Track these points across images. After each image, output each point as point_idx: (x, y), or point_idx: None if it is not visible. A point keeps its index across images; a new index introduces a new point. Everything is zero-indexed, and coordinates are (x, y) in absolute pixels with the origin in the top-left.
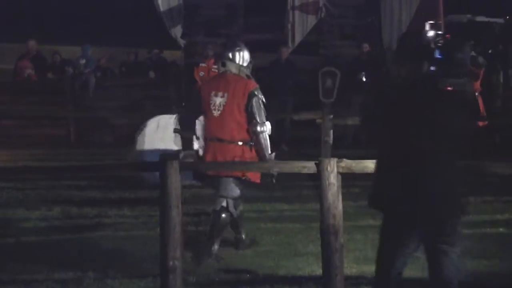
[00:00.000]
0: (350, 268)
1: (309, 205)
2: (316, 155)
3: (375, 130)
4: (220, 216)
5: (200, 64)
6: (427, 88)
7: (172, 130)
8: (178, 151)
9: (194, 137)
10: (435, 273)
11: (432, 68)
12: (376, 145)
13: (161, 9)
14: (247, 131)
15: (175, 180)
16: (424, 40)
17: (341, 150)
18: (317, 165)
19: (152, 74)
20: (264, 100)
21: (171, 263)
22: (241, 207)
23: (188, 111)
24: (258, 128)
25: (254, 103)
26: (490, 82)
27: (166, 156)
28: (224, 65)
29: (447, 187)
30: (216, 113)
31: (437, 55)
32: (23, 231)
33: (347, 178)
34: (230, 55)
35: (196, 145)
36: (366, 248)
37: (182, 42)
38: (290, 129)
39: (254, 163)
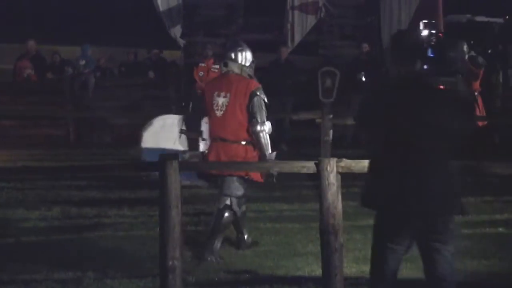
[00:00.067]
0: (350, 268)
1: (309, 205)
2: (315, 155)
3: (369, 129)
4: (223, 214)
5: (200, 64)
6: (420, 87)
7: (178, 130)
8: (184, 152)
9: (200, 138)
10: (430, 271)
11: (425, 66)
12: (369, 144)
13: (161, 9)
14: (249, 130)
15: (175, 180)
16: (417, 38)
17: (340, 150)
18: (317, 165)
19: (151, 74)
20: (266, 100)
21: (170, 263)
22: (243, 207)
23: (193, 112)
24: (258, 128)
25: (255, 103)
26: (489, 82)
27: (165, 156)
28: (226, 65)
29: (439, 185)
30: (219, 113)
31: (429, 53)
32: (22, 231)
33: (347, 178)
34: (233, 55)
35: (202, 147)
36: (365, 247)
37: (181, 42)
38: (289, 129)
39: (254, 163)
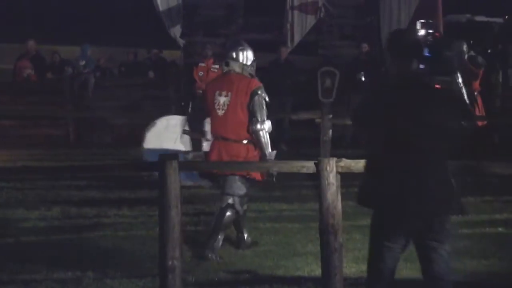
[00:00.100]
0: (349, 267)
1: (308, 205)
2: (315, 155)
3: (368, 129)
4: (225, 213)
5: (199, 64)
6: (416, 86)
7: (181, 130)
8: (187, 152)
9: (203, 138)
10: (426, 270)
11: (421, 66)
12: (367, 143)
13: (160, 9)
14: (249, 129)
15: (174, 180)
16: (413, 38)
17: (340, 149)
18: (316, 164)
19: (151, 74)
20: (267, 99)
21: (170, 262)
22: (245, 206)
23: (194, 112)
24: (258, 126)
25: (255, 101)
26: (489, 81)
27: (165, 156)
28: (227, 64)
29: (437, 185)
30: (220, 112)
31: (425, 53)
32: (22, 231)
33: (346, 178)
34: (234, 55)
35: (205, 147)
36: (365, 247)
37: (181, 42)
38: (289, 129)
39: (254, 162)
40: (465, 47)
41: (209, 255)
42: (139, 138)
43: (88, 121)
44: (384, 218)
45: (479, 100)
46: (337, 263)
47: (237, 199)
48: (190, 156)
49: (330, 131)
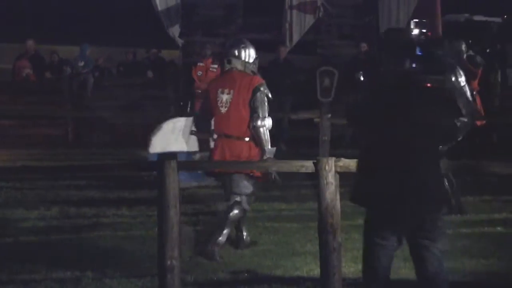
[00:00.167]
0: (348, 267)
1: (307, 205)
2: (314, 154)
3: (359, 128)
4: (232, 210)
5: (198, 64)
6: (409, 85)
7: (188, 132)
8: (194, 153)
9: (211, 138)
10: (419, 269)
11: (413, 65)
12: (360, 143)
13: (159, 8)
14: (250, 125)
15: (173, 179)
16: (406, 37)
17: (339, 149)
18: (315, 164)
19: (150, 73)
20: (269, 95)
21: (169, 262)
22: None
23: (201, 112)
24: (259, 122)
25: (257, 97)
26: (488, 81)
27: (164, 155)
28: (229, 62)
29: (428, 183)
30: (223, 110)
31: (417, 52)
32: (21, 231)
33: (345, 178)
34: (236, 52)
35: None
36: None
37: (180, 41)
38: (288, 128)
39: (254, 162)
40: (463, 47)
41: (211, 248)
42: (138, 137)
43: (87, 121)
44: (377, 216)
45: (478, 100)
46: (336, 262)
47: (244, 198)
48: (197, 157)
49: (329, 130)
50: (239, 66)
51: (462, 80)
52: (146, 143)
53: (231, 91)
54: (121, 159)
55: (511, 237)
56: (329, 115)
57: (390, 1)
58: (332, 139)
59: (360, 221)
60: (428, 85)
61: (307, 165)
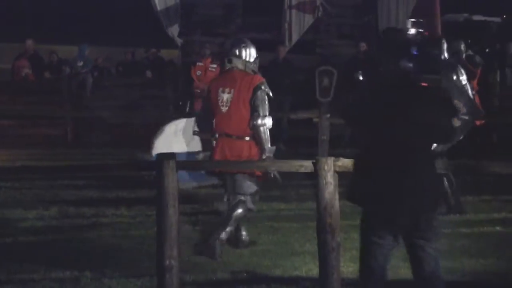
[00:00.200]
0: (347, 267)
1: (306, 204)
2: (313, 154)
3: (356, 128)
4: (237, 208)
5: (197, 63)
6: (405, 85)
7: (191, 132)
8: (197, 153)
9: (212, 138)
10: (416, 268)
11: (409, 64)
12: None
13: (158, 8)
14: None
15: (172, 179)
16: (402, 37)
17: (338, 149)
18: (314, 164)
19: (149, 73)
20: (270, 94)
21: (167, 262)
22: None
23: (203, 112)
24: (259, 121)
25: (258, 96)
26: (487, 81)
27: (162, 155)
28: (230, 61)
29: (423, 182)
30: (224, 109)
31: (414, 51)
32: (20, 230)
33: (344, 177)
34: (237, 52)
35: None
36: None
37: (179, 41)
38: (287, 128)
39: (253, 161)
40: (462, 47)
41: (212, 244)
42: (138, 137)
43: (86, 120)
44: (374, 215)
45: (477, 100)
46: (335, 262)
47: (249, 198)
48: (200, 156)
49: (328, 130)
50: (240, 65)
51: (464, 78)
52: (149, 145)
53: (232, 90)
54: (120, 159)
55: (510, 236)
56: (328, 115)
57: (389, 1)
58: (331, 138)
59: (359, 220)
60: (425, 84)
61: (306, 165)
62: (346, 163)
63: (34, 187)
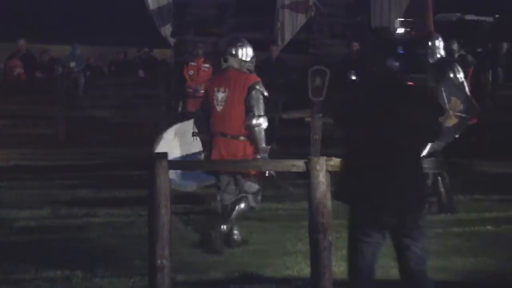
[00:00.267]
0: (339, 266)
1: (298, 204)
2: (305, 154)
3: (344, 128)
4: (239, 204)
5: (190, 63)
6: (390, 84)
7: (190, 134)
8: (199, 153)
9: (204, 136)
10: (402, 267)
11: (396, 63)
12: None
13: (151, 7)
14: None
15: (164, 179)
16: (389, 36)
17: (330, 148)
18: (306, 163)
19: (141, 73)
20: (265, 94)
21: (159, 262)
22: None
23: (201, 112)
24: (254, 121)
25: (253, 96)
26: (479, 80)
27: (154, 155)
28: (226, 60)
29: (409, 182)
30: (219, 108)
31: (399, 51)
32: (12, 230)
33: (337, 177)
34: (233, 51)
35: None
36: None
37: (172, 40)
38: (279, 127)
39: (245, 161)
40: (455, 46)
41: (213, 234)
42: (130, 137)
43: (78, 120)
44: (361, 214)
45: None
46: (327, 261)
47: (251, 197)
48: (202, 156)
49: (320, 130)
50: (235, 64)
51: (461, 76)
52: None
53: (227, 89)
54: (112, 158)
55: (501, 236)
56: (321, 115)
57: (382, 0)
58: (323, 138)
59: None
60: (411, 83)
61: (298, 165)
62: (338, 162)
63: (27, 187)
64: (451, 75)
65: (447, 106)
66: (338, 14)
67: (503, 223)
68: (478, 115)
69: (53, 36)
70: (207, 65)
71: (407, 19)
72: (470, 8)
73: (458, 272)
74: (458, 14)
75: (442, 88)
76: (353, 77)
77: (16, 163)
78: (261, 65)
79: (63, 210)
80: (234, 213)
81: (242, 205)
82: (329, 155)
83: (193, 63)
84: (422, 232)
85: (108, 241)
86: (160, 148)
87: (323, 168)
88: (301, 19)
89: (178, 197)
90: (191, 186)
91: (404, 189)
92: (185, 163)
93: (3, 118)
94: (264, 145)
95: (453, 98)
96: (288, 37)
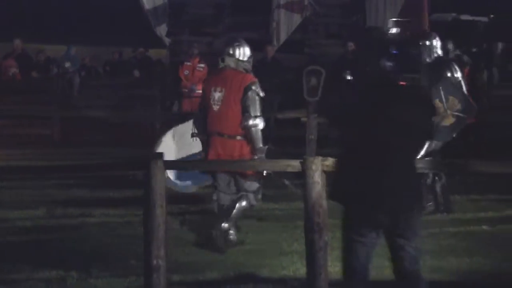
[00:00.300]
0: (334, 266)
1: (294, 204)
2: (301, 154)
3: (339, 128)
4: (239, 201)
5: (185, 63)
6: (384, 84)
7: (189, 135)
8: (200, 153)
9: (201, 136)
10: (396, 267)
11: (389, 63)
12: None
13: (146, 7)
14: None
15: (160, 179)
16: (382, 36)
17: (325, 148)
18: (302, 163)
19: (137, 73)
20: (261, 94)
21: (155, 262)
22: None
23: (200, 111)
24: (250, 122)
25: (249, 96)
26: (474, 80)
27: (150, 155)
28: (223, 60)
29: (402, 182)
30: (215, 107)
31: (392, 50)
32: (7, 230)
33: (332, 177)
34: (230, 51)
35: None
36: None
37: (167, 40)
38: (274, 127)
39: (241, 161)
40: (451, 46)
41: (214, 233)
42: (125, 137)
43: (73, 120)
44: (355, 214)
45: None
46: (322, 261)
47: (251, 195)
48: (202, 157)
49: (316, 130)
50: (232, 64)
51: (458, 75)
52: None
53: (223, 89)
54: (108, 158)
55: (496, 236)
56: (316, 115)
57: (378, 1)
58: (319, 138)
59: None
60: (404, 83)
61: (294, 164)
62: (333, 162)
63: (22, 187)
64: (449, 74)
65: (445, 105)
66: (333, 14)
67: (499, 223)
68: (476, 115)
69: (49, 36)
70: (202, 65)
71: (400, 19)
72: (465, 8)
73: (454, 272)
74: (453, 14)
75: (440, 87)
76: (349, 77)
77: (10, 163)
78: (256, 65)
79: (58, 210)
80: (235, 211)
81: (244, 203)
82: (325, 155)
83: (188, 63)
84: (416, 232)
85: (104, 241)
86: (160, 151)
87: (319, 168)
88: (297, 19)
89: (174, 197)
90: (190, 188)
91: (397, 188)
92: (182, 163)
93: None
94: (261, 145)
95: (451, 98)
96: (283, 37)
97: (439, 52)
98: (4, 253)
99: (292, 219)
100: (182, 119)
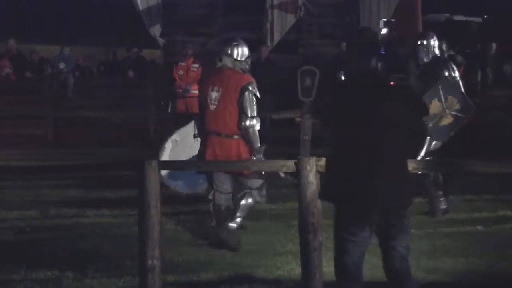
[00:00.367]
0: (329, 266)
1: (289, 204)
2: (295, 154)
3: (328, 128)
4: (244, 197)
5: (179, 63)
6: (372, 84)
7: (191, 137)
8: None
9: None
10: (387, 266)
11: (378, 63)
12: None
13: (140, 7)
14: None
15: (154, 179)
16: (371, 37)
17: (320, 149)
18: (296, 163)
19: (131, 73)
20: (257, 94)
21: (149, 262)
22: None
23: (199, 112)
24: (247, 123)
25: (245, 97)
26: (468, 81)
27: (144, 156)
28: (221, 60)
29: (392, 181)
30: (212, 107)
31: (381, 51)
32: (1, 231)
33: None
34: (228, 50)
35: None
36: None
37: (161, 41)
38: (269, 128)
39: (235, 162)
40: (444, 47)
41: (222, 234)
42: (119, 137)
43: (67, 120)
44: (346, 213)
45: None
46: (317, 261)
47: (255, 192)
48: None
49: (310, 130)
50: (229, 64)
51: (456, 75)
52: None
53: (220, 88)
54: (102, 158)
55: (491, 236)
56: (310, 115)
57: (371, 1)
58: (313, 138)
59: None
60: (392, 83)
61: (288, 165)
62: (324, 162)
63: (15, 187)
64: (446, 74)
65: (444, 105)
66: (327, 14)
67: (493, 224)
68: (474, 115)
69: (43, 36)
70: (196, 65)
71: (391, 20)
72: (459, 9)
73: (449, 273)
74: (447, 15)
75: (440, 87)
76: (343, 77)
77: (4, 164)
78: (250, 65)
79: (52, 211)
80: (240, 209)
81: (250, 200)
82: (319, 155)
83: (182, 63)
84: (407, 231)
85: (98, 242)
86: (165, 158)
87: (313, 168)
88: (291, 19)
89: (168, 198)
90: (182, 188)
91: (388, 188)
92: (177, 163)
93: None
94: (259, 145)
95: (450, 97)
96: (277, 37)
97: (437, 51)
98: None
99: (286, 219)
100: (176, 119)
